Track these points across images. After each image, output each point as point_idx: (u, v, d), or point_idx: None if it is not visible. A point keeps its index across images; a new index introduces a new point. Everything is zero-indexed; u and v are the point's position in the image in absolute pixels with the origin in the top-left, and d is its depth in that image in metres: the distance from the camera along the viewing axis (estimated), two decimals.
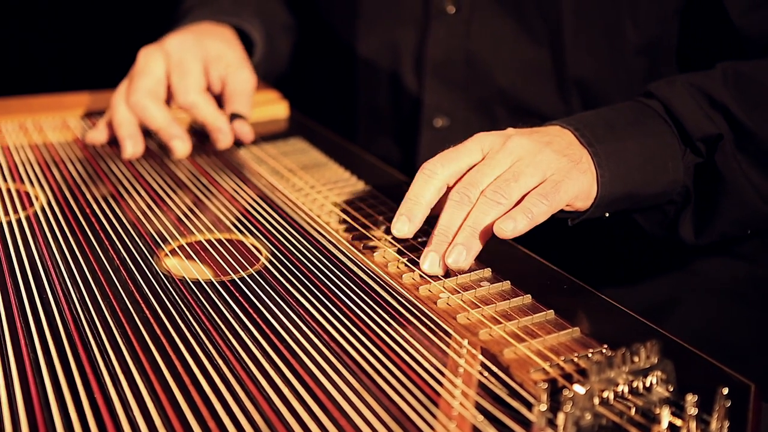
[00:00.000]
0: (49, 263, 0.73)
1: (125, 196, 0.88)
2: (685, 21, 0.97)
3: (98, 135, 1.02)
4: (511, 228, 0.68)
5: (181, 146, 0.98)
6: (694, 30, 0.97)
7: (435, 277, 0.70)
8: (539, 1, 1.03)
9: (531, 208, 0.69)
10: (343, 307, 0.66)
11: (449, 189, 0.73)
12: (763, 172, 0.83)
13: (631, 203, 0.81)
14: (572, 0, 1.01)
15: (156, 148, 1.01)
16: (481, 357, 0.60)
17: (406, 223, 0.72)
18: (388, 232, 0.78)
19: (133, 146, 0.98)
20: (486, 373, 0.58)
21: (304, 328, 0.63)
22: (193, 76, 1.00)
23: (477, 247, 0.69)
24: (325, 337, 0.62)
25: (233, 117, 1.02)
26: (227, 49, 1.06)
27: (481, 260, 0.71)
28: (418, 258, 0.71)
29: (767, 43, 0.90)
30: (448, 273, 0.70)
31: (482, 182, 0.71)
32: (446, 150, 0.74)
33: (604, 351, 0.60)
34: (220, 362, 0.59)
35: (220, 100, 1.07)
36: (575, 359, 0.59)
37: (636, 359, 0.55)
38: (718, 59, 0.86)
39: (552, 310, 0.65)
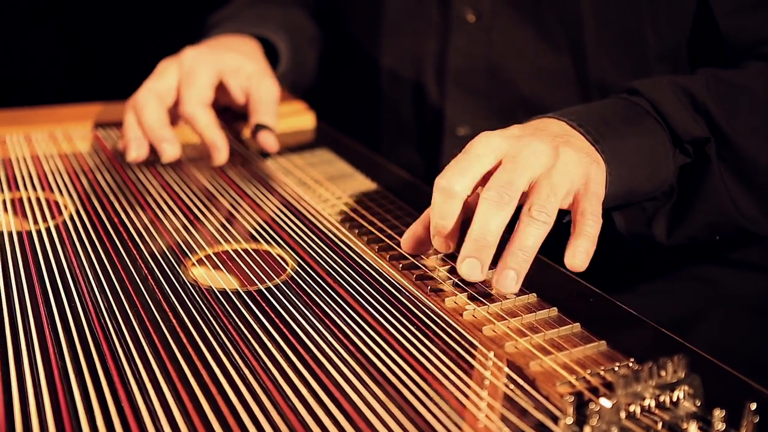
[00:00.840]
0: (77, 271, 0.73)
1: (153, 205, 0.88)
2: (698, 27, 0.97)
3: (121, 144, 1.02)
4: (586, 259, 0.67)
5: (169, 149, 0.97)
6: (709, 36, 0.97)
7: (459, 288, 0.70)
8: (559, 9, 1.03)
9: (590, 231, 0.68)
10: (368, 317, 0.66)
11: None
12: (740, 180, 0.84)
13: (626, 201, 0.81)
14: (592, 8, 1.01)
15: (184, 158, 1.02)
16: (507, 369, 0.59)
17: (442, 242, 0.71)
18: None
19: (136, 149, 0.98)
20: (512, 386, 0.58)
21: (330, 338, 0.63)
22: (197, 88, 1.00)
23: (526, 270, 0.68)
24: (351, 347, 0.62)
25: (258, 128, 1.02)
26: (246, 61, 1.06)
27: None
28: (443, 268, 0.71)
29: (748, 48, 0.90)
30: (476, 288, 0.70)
31: (519, 182, 0.68)
32: (455, 160, 0.71)
33: (630, 365, 0.60)
34: (247, 372, 0.59)
35: (243, 111, 1.08)
36: (602, 372, 0.59)
37: (663, 373, 0.55)
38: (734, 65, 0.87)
39: (578, 323, 0.65)
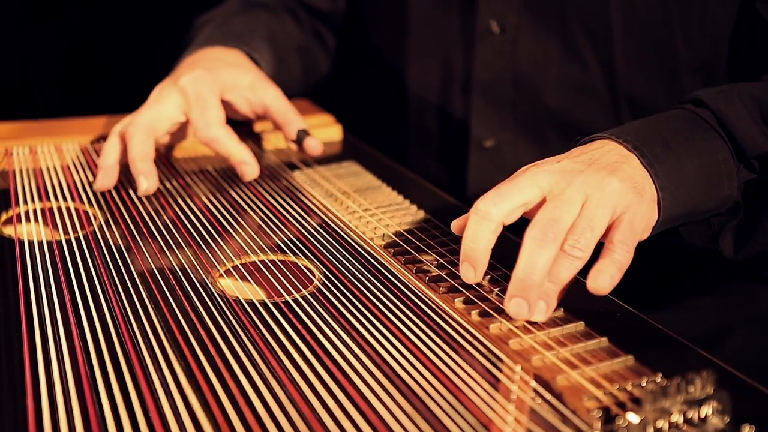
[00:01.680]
0: (106, 281, 0.74)
1: (181, 216, 0.89)
2: (736, 41, 0.96)
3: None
4: (608, 284, 0.66)
5: (144, 183, 0.94)
6: (747, 49, 0.96)
7: (488, 302, 0.70)
8: (587, 21, 1.03)
9: (618, 259, 0.67)
10: (395, 330, 0.66)
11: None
12: None
13: (684, 221, 0.79)
14: (622, 19, 1.00)
15: (213, 171, 1.03)
16: (533, 383, 0.59)
17: (470, 269, 0.70)
18: (441, 255, 0.78)
19: (103, 179, 0.95)
20: (539, 400, 0.58)
21: (356, 349, 0.63)
22: (214, 110, 0.99)
23: (556, 301, 0.68)
24: (377, 359, 0.62)
25: (301, 134, 1.03)
26: (241, 74, 1.06)
27: None
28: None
29: None
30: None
31: (563, 219, 0.67)
32: (498, 186, 0.71)
33: (658, 380, 0.59)
34: (273, 383, 0.59)
35: (246, 121, 1.08)
36: (629, 387, 0.58)
37: (691, 389, 0.55)
38: None
39: (605, 338, 0.64)
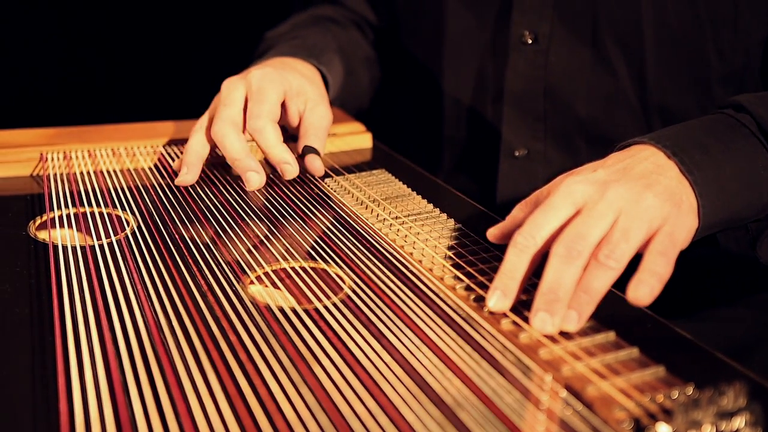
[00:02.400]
0: (138, 286, 0.75)
1: (213, 222, 0.90)
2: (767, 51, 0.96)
3: (178, 164, 1.03)
4: (649, 294, 0.66)
5: (255, 178, 0.98)
6: None
7: (514, 311, 0.70)
8: (619, 31, 1.03)
9: (657, 270, 0.67)
10: (424, 337, 0.66)
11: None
12: None
13: (723, 228, 0.79)
14: (653, 29, 1.00)
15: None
16: (564, 393, 0.59)
17: (501, 298, 0.70)
18: (470, 264, 0.78)
19: (186, 174, 0.99)
20: (569, 410, 0.57)
21: (385, 357, 0.64)
22: (268, 104, 1.00)
23: (590, 312, 0.67)
24: (407, 366, 0.62)
25: (306, 150, 1.03)
26: (308, 85, 1.07)
27: None
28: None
29: None
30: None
31: (591, 235, 0.68)
32: (534, 213, 0.71)
33: (690, 391, 0.59)
34: (304, 389, 0.59)
35: (293, 134, 1.09)
36: (660, 399, 0.58)
37: (723, 401, 0.54)
38: None
39: (636, 348, 0.64)
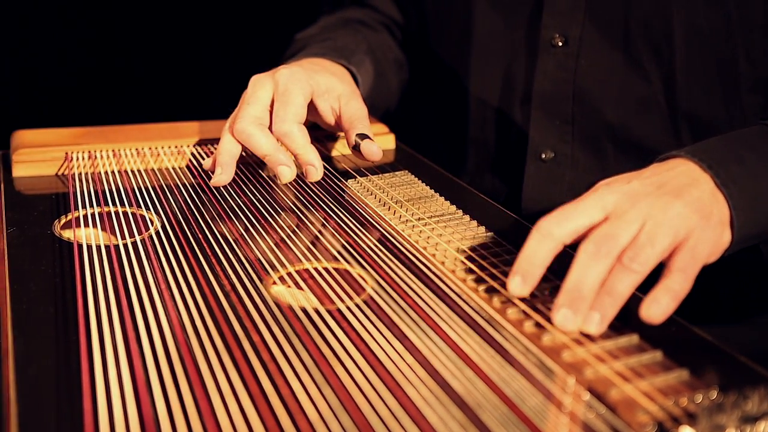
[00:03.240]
0: (162, 286, 0.75)
1: (236, 222, 0.90)
2: None
3: (209, 163, 1.03)
4: (661, 313, 0.66)
5: (287, 172, 0.97)
6: None
7: (539, 313, 0.69)
8: (650, 35, 1.02)
9: (674, 287, 0.67)
10: (447, 339, 0.66)
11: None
12: None
13: (759, 240, 0.78)
14: (684, 34, 1.00)
15: (268, 178, 1.04)
16: (587, 396, 0.59)
17: (520, 283, 0.70)
18: (494, 266, 0.78)
19: (221, 174, 0.98)
20: (592, 413, 0.57)
21: (407, 358, 0.64)
22: (294, 107, 1.00)
23: (612, 315, 0.67)
24: (429, 368, 0.62)
25: (361, 137, 1.02)
26: (338, 83, 1.07)
27: None
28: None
29: None
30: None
31: (620, 236, 0.67)
32: (564, 206, 0.71)
33: (714, 395, 0.59)
34: (327, 389, 0.59)
35: (329, 131, 1.09)
36: (684, 402, 0.58)
37: (747, 405, 0.54)
38: None
39: (660, 351, 0.64)
